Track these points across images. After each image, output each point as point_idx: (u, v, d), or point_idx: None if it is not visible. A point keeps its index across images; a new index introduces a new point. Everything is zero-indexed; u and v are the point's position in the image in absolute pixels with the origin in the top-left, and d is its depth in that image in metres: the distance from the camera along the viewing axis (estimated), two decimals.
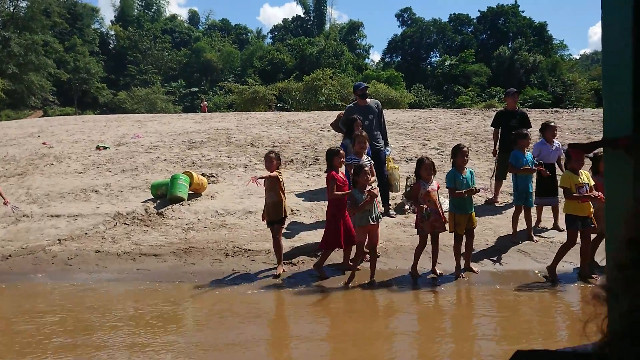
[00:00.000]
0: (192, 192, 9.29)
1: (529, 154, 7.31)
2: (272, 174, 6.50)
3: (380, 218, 6.29)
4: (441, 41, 71.36)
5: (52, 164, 12.24)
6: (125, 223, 8.29)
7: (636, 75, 0.96)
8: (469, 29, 71.66)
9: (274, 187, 6.52)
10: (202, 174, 10.39)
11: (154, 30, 71.58)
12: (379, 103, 8.62)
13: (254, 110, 31.96)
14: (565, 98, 48.86)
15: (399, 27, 77.51)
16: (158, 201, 9.06)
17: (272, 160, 6.61)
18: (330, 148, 6.67)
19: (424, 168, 6.16)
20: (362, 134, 7.06)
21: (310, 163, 11.63)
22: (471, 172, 6.37)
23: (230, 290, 6.00)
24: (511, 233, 7.15)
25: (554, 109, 22.01)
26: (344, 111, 8.78)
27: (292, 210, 8.50)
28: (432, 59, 70.60)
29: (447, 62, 61.35)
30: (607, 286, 0.47)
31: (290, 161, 11.78)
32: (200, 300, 5.81)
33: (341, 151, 6.51)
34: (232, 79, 62.69)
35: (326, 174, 6.60)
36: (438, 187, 6.35)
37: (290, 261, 6.70)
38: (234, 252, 6.93)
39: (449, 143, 13.22)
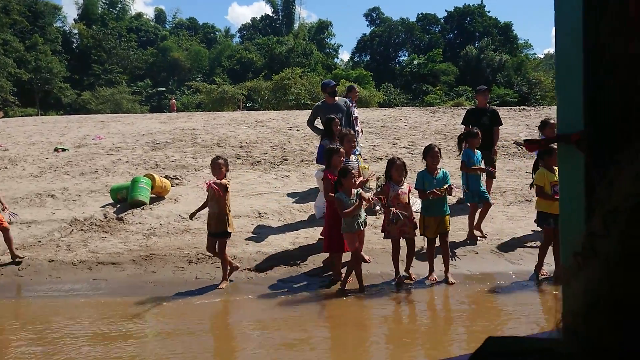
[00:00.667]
0: (154, 196, 8.89)
1: (479, 153, 7.22)
2: (222, 181, 6.02)
3: (366, 224, 5.99)
4: (409, 40, 71.87)
5: (7, 168, 11.64)
6: (82, 229, 7.84)
7: (586, 75, 1.01)
8: (437, 29, 72.40)
9: (216, 197, 5.98)
10: (166, 176, 9.99)
11: (119, 28, 69.93)
12: (348, 101, 8.38)
13: (222, 110, 31.44)
14: (530, 96, 49.69)
15: (367, 26, 77.82)
16: (118, 206, 8.62)
17: (221, 167, 6.08)
18: (330, 146, 6.29)
19: (395, 169, 5.89)
20: (350, 132, 6.74)
21: (278, 163, 11.32)
22: (445, 173, 6.09)
23: (188, 302, 5.66)
24: (470, 233, 7.08)
25: (522, 107, 22.22)
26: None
27: (259, 213, 8.19)
28: (401, 58, 71.08)
29: (416, 62, 61.79)
30: (565, 271, 0.49)
31: (258, 162, 11.45)
32: (153, 314, 5.45)
33: (342, 149, 6.14)
34: (200, 79, 61.86)
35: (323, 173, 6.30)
36: (409, 190, 6.08)
37: (257, 267, 6.38)
38: (198, 259, 6.58)
39: (419, 142, 13.10)
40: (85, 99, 54.04)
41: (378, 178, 8.57)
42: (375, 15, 77.01)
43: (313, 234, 7.33)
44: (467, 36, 67.62)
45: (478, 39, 66.68)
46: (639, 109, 0.93)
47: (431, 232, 5.90)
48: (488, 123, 8.17)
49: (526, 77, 54.92)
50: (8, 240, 6.83)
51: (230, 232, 6.12)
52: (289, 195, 9.04)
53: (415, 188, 6.15)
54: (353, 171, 5.81)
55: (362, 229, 5.74)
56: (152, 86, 63.83)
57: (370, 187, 8.35)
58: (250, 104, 43.79)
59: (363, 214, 5.81)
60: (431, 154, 5.98)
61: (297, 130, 14.84)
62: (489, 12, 69.35)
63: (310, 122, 8.31)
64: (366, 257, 6.29)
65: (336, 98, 8.17)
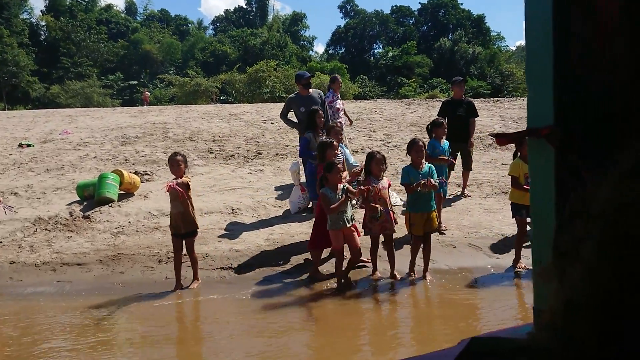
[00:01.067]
0: (123, 192, 8.57)
1: (445, 143, 7.15)
2: (183, 179, 5.74)
3: (354, 220, 5.71)
4: (384, 33, 71.98)
5: None
6: (46, 229, 7.50)
7: (557, 68, 1.00)
8: (411, 21, 72.67)
9: (179, 196, 5.67)
10: (135, 172, 9.66)
11: (88, 20, 68.37)
12: (322, 93, 8.18)
13: (196, 103, 30.95)
14: (503, 88, 50.22)
15: (342, 18, 77.74)
16: (85, 203, 8.28)
17: (180, 164, 5.76)
18: (323, 140, 6.03)
19: (375, 163, 5.66)
20: (336, 124, 6.49)
21: (252, 157, 11.08)
22: (430, 167, 5.88)
23: (157, 304, 5.41)
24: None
25: (496, 99, 22.31)
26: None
27: (232, 209, 7.96)
28: (375, 51, 71.19)
29: (390, 54, 61.89)
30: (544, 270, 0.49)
31: (231, 156, 11.19)
32: (119, 318, 5.20)
33: (335, 143, 5.90)
34: (173, 72, 61.04)
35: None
36: (389, 185, 5.90)
37: (230, 266, 6.16)
38: (168, 258, 6.31)
39: (395, 134, 12.99)
40: (54, 93, 52.66)
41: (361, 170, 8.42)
42: (349, 7, 76.92)
43: (288, 230, 7.14)
44: (441, 28, 68.08)
45: (451, 31, 67.19)
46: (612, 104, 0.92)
47: (418, 229, 5.71)
48: (464, 114, 8.07)
49: (499, 69, 55.47)
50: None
51: (197, 229, 5.90)
52: (263, 190, 8.82)
53: (401, 183, 5.97)
54: (339, 165, 5.57)
55: (347, 225, 5.50)
56: (124, 79, 62.71)
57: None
58: (224, 97, 43.30)
59: (350, 210, 5.59)
60: (416, 149, 5.76)
61: (272, 123, 14.60)
62: (462, 4, 69.93)
63: (284, 115, 8.09)
64: (366, 261, 6.03)
65: (310, 90, 7.96)
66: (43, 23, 68.41)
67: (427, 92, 43.71)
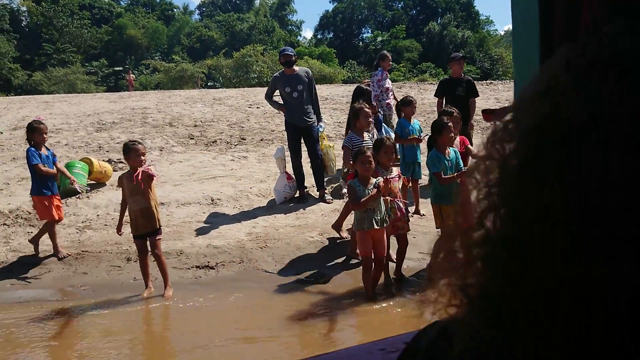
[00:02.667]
0: (93, 182, 7.86)
1: (415, 122, 6.72)
2: (149, 169, 5.03)
3: (387, 222, 4.61)
4: (372, 17, 71.30)
5: None
6: (5, 224, 6.77)
7: (543, 46, 1.04)
8: (399, 5, 72.00)
9: (142, 189, 4.93)
10: (108, 160, 8.94)
11: (71, 5, 66.63)
12: (310, 72, 7.48)
13: (182, 90, 30.10)
14: (492, 72, 49.84)
15: (330, 2, 76.84)
16: None
17: (139, 153, 4.98)
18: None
19: (384, 151, 4.76)
20: (365, 105, 5.59)
21: (235, 143, 10.36)
22: (455, 152, 5.10)
23: (122, 310, 4.74)
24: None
25: (489, 81, 21.77)
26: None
27: (212, 200, 7.27)
28: (364, 35, 70.50)
29: (379, 38, 61.34)
30: None
31: (213, 142, 10.46)
32: (75, 328, 4.53)
33: (366, 108, 5.26)
34: (159, 57, 60.02)
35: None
36: (399, 177, 5.03)
37: (207, 264, 5.49)
38: (138, 256, 5.62)
39: None
40: (36, 80, 51.28)
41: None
42: None
43: (273, 223, 6.48)
44: (430, 12, 67.56)
45: (440, 15, 66.60)
46: None
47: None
48: (464, 94, 7.41)
49: (488, 53, 55.05)
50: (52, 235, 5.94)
51: (160, 227, 5.15)
52: (246, 178, 8.14)
53: (432, 173, 5.10)
54: (368, 152, 4.58)
55: (378, 227, 4.50)
56: (108, 66, 61.40)
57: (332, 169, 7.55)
58: (211, 84, 42.48)
59: (382, 208, 4.56)
60: (446, 130, 4.88)
61: (257, 107, 13.87)
62: None
63: (269, 96, 7.39)
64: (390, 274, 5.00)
65: (296, 68, 7.26)
66: (24, 8, 66.63)
67: (417, 77, 43.18)
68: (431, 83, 21.63)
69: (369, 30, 70.09)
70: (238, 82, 35.59)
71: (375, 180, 4.53)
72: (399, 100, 7.61)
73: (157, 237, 5.05)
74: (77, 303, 4.88)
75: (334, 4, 74.14)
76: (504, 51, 54.80)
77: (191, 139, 10.70)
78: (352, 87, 19.52)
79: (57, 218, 5.92)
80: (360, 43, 68.06)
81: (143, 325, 4.60)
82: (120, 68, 60.99)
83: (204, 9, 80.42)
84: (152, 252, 5.04)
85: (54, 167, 6.05)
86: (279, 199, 7.13)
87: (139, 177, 4.89)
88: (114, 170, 8.46)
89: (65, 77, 50.59)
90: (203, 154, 9.64)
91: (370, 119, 5.67)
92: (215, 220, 6.63)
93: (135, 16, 72.48)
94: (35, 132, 5.89)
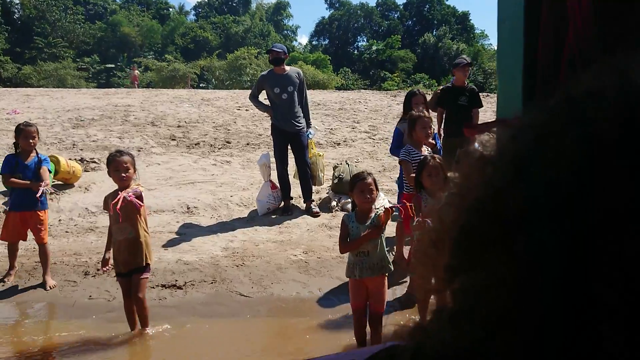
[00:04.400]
0: (60, 183, 7.18)
1: None
2: (137, 189, 3.98)
3: (388, 269, 3.61)
4: (368, 26, 71.37)
5: None
6: None
7: (526, 64, 1.08)
8: (396, 15, 72.13)
9: (130, 215, 3.93)
10: (81, 159, 8.26)
11: (65, 0, 65.91)
12: (301, 73, 6.87)
13: (172, 89, 29.40)
14: (485, 86, 49.67)
15: (326, 9, 76.60)
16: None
17: (127, 166, 3.97)
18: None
19: (428, 171, 3.83)
20: (424, 113, 4.72)
21: (220, 147, 9.72)
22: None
23: (64, 339, 4.07)
24: None
25: (486, 93, 21.34)
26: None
27: (188, 208, 6.62)
28: (360, 44, 70.48)
29: (374, 47, 61.21)
30: None
31: (195, 144, 9.81)
32: None
33: (426, 117, 4.54)
34: (152, 56, 59.41)
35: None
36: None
37: (175, 283, 4.83)
38: (97, 270, 4.96)
39: (381, 126, 11.77)
40: (26, 74, 50.29)
41: (335, 167, 7.15)
42: None
43: (253, 237, 5.84)
44: (426, 24, 67.73)
45: (436, 27, 66.75)
46: None
47: None
48: (467, 104, 6.83)
49: (482, 66, 54.86)
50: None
51: (149, 265, 4.10)
52: (227, 185, 7.50)
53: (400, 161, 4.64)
54: (369, 179, 3.51)
55: (371, 275, 3.52)
56: (100, 62, 60.60)
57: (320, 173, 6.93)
58: (204, 85, 41.86)
59: (379, 252, 3.54)
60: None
61: (246, 110, 13.24)
62: (447, 0, 69.43)
63: (254, 96, 6.77)
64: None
65: (286, 67, 6.65)
66: (17, 1, 65.69)
67: (411, 87, 42.90)
68: (426, 94, 21.03)
69: (365, 39, 70.17)
70: (231, 85, 35.04)
71: (374, 213, 3.51)
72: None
73: (143, 276, 4.01)
74: (14, 327, 4.21)
75: (331, 11, 74.13)
76: None
77: (172, 140, 10.05)
78: (346, 94, 19.02)
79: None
80: (356, 51, 67.99)
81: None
82: (113, 65, 60.28)
83: (199, 9, 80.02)
84: (133, 294, 3.97)
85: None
86: (261, 210, 6.50)
87: (117, 206, 3.78)
88: (85, 171, 7.80)
89: (56, 71, 49.66)
90: (183, 156, 8.99)
91: (430, 130, 4.77)
92: (189, 231, 5.97)
93: (130, 14, 71.96)
94: (21, 135, 4.98)
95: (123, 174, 3.92)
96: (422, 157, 4.23)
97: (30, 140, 4.98)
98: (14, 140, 5.10)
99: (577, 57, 1.00)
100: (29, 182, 4.90)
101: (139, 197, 3.95)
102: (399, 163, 4.84)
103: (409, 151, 4.57)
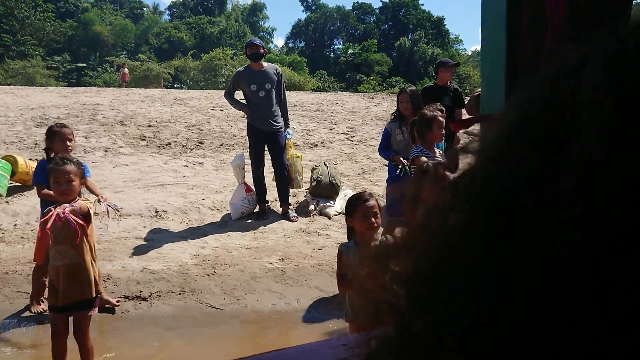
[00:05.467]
0: (18, 184, 6.69)
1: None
2: (83, 204, 3.17)
3: None
4: (344, 29, 71.60)
5: None
6: None
7: (508, 65, 1.11)
8: (372, 19, 72.53)
9: (70, 236, 3.07)
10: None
11: None
12: (279, 70, 6.52)
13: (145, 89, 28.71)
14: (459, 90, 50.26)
15: (303, 11, 76.62)
16: None
17: (70, 177, 3.14)
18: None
19: (436, 124, 4.03)
20: (438, 114, 4.24)
21: (192, 147, 9.29)
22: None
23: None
24: None
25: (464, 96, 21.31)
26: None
27: (156, 212, 6.20)
28: (336, 46, 70.58)
29: (350, 50, 61.39)
30: None
31: (166, 144, 9.36)
32: None
33: (440, 117, 4.07)
34: (125, 55, 58.48)
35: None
36: None
37: (139, 294, 4.42)
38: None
39: (360, 127, 11.49)
40: None
41: (313, 169, 6.82)
42: (310, 1, 75.70)
43: (225, 243, 5.45)
44: (401, 28, 68.29)
45: (411, 31, 67.26)
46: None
47: None
48: (450, 104, 6.57)
49: (456, 71, 55.45)
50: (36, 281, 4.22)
51: (97, 297, 3.31)
52: (199, 187, 7.10)
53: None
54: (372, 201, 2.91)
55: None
56: (71, 61, 59.31)
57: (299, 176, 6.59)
58: (178, 86, 41.20)
59: None
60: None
61: (221, 110, 12.83)
62: (422, 5, 70.39)
63: (229, 94, 6.39)
64: None
65: (264, 63, 6.30)
66: None
67: (387, 90, 43.05)
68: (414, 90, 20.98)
69: (341, 42, 70.28)
70: (205, 86, 34.58)
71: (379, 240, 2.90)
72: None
73: (88, 312, 3.21)
74: None
75: (307, 13, 74.09)
76: (471, 70, 55.41)
77: (142, 140, 9.58)
78: (323, 95, 18.71)
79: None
80: (332, 54, 68.02)
81: None
82: (84, 64, 59.09)
83: (174, 9, 79.23)
84: (75, 335, 3.21)
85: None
86: (235, 214, 6.12)
87: (48, 224, 2.97)
88: None
89: (24, 70, 48.33)
90: (153, 157, 8.53)
91: (443, 131, 4.32)
92: (157, 237, 5.55)
93: (103, 12, 70.89)
94: (55, 138, 4.19)
95: (64, 187, 3.13)
96: (435, 160, 3.95)
97: (68, 143, 4.19)
98: (45, 145, 4.31)
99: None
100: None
101: (86, 215, 3.16)
102: (413, 161, 4.41)
103: (421, 149, 4.19)
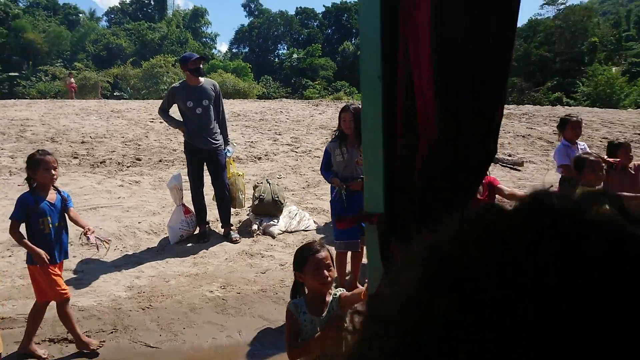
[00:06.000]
0: None
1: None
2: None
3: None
4: (288, 34, 71.59)
5: None
6: None
7: (387, 157, 1.17)
8: (315, 24, 72.81)
9: None
10: None
11: None
12: (217, 85, 6.23)
13: (85, 99, 27.52)
14: None
15: (246, 17, 76.00)
16: None
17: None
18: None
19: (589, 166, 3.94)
20: (590, 155, 4.38)
21: (128, 165, 8.85)
22: None
23: None
24: None
25: None
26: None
27: (87, 238, 5.78)
28: (280, 52, 70.50)
29: (295, 55, 61.45)
30: None
31: (101, 162, 8.88)
32: None
33: (594, 158, 4.13)
34: (60, 64, 56.30)
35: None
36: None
37: (65, 336, 4.05)
38: None
39: (304, 137, 11.32)
40: None
41: (255, 186, 6.58)
42: (253, 6, 75.53)
43: (163, 271, 5.14)
44: (345, 32, 68.91)
45: (355, 35, 67.95)
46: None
47: None
48: None
49: None
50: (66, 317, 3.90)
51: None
52: (135, 209, 6.71)
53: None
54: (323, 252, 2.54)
55: None
56: (2, 71, 56.59)
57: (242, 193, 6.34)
58: (118, 94, 39.88)
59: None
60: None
61: (160, 122, 12.34)
62: None
63: (163, 111, 6.06)
64: None
65: (202, 79, 6.01)
66: None
67: (332, 94, 43.23)
68: (346, 101, 21.14)
69: (285, 47, 70.16)
70: (147, 94, 33.62)
71: (331, 297, 2.53)
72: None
73: None
74: None
75: (250, 19, 73.64)
76: None
77: (75, 158, 9.05)
78: (267, 103, 18.45)
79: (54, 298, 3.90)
80: (276, 59, 67.85)
81: None
82: (16, 73, 56.45)
83: (112, 15, 77.14)
84: None
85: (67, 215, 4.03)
86: (173, 238, 5.80)
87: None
88: None
89: None
90: (86, 177, 8.05)
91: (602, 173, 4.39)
92: (87, 268, 5.17)
93: (35, 19, 68.02)
94: (39, 167, 3.83)
95: (53, 172, 3.84)
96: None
97: (52, 172, 3.88)
98: (27, 175, 3.95)
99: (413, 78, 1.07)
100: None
101: None
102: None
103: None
